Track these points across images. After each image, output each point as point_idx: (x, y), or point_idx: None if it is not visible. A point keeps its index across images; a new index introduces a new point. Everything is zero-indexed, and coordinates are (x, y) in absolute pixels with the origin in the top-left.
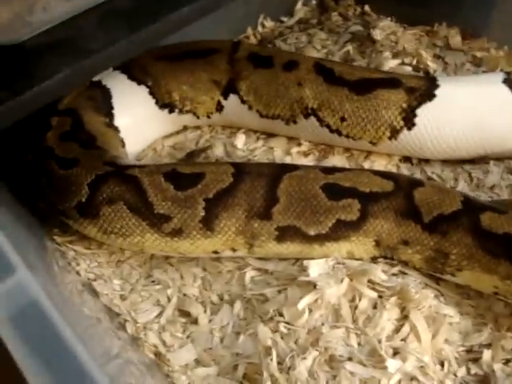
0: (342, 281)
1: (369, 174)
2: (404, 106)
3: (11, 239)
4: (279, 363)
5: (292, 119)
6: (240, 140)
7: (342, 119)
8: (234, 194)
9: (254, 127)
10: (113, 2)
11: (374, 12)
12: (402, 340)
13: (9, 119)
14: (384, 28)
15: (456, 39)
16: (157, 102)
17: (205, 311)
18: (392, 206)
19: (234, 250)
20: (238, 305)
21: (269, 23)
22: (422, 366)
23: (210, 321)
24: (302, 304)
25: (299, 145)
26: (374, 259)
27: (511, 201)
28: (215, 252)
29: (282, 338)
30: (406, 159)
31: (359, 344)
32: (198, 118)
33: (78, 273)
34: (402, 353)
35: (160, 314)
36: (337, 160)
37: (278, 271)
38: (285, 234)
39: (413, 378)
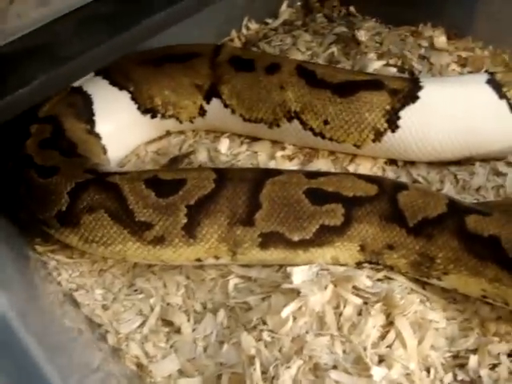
0: (326, 287)
1: (353, 177)
2: (387, 108)
3: None
4: (263, 372)
5: (275, 123)
6: (224, 145)
7: (325, 122)
8: (215, 200)
9: (238, 131)
10: (90, 6)
11: (358, 13)
12: (387, 347)
13: None
14: (369, 29)
15: (441, 39)
16: (139, 108)
17: (188, 320)
18: (376, 211)
19: (217, 257)
20: (221, 313)
21: (253, 25)
22: (407, 374)
23: (194, 330)
24: (286, 312)
25: (283, 149)
26: (359, 264)
27: (496, 202)
28: (198, 260)
29: (265, 346)
30: (392, 162)
31: (344, 352)
32: (180, 122)
33: (59, 283)
34: (388, 360)
35: (143, 324)
36: (322, 163)
37: (262, 278)
38: (268, 240)
39: None
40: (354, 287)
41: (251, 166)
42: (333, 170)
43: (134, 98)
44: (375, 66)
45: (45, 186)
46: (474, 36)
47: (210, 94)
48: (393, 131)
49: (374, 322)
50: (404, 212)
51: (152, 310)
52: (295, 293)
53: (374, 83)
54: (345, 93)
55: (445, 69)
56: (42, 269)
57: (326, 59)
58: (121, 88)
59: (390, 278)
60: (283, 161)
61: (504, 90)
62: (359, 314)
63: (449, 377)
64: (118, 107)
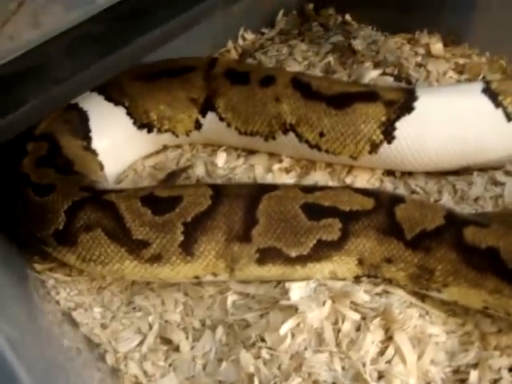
0: (324, 303)
1: (349, 191)
2: (383, 119)
3: None
4: None
5: (271, 135)
6: (221, 158)
7: (321, 134)
8: (212, 216)
9: (234, 144)
10: (82, 27)
11: (354, 21)
12: (386, 362)
13: None
14: (365, 37)
15: (437, 46)
16: (135, 123)
17: (187, 338)
18: (373, 224)
19: (215, 274)
20: (219, 330)
21: (249, 35)
22: None
23: (192, 347)
24: (284, 329)
25: (280, 161)
26: (357, 278)
27: (494, 213)
28: (196, 277)
29: (264, 364)
30: (389, 172)
31: (343, 368)
32: (177, 136)
33: (57, 302)
34: (387, 376)
35: (141, 343)
36: (319, 176)
37: (260, 294)
38: (266, 256)
39: None
40: (352, 302)
41: (248, 179)
42: (330, 182)
43: (129, 113)
44: (372, 75)
45: (41, 204)
46: (471, 42)
47: (206, 107)
48: (389, 142)
49: (372, 338)
50: (401, 225)
51: (151, 327)
52: (293, 309)
53: (369, 94)
54: (340, 105)
55: (442, 76)
56: (41, 287)
57: (323, 69)
58: (116, 103)
59: (388, 292)
60: (280, 174)
61: (500, 98)
62: (358, 329)
63: None
64: (114, 123)
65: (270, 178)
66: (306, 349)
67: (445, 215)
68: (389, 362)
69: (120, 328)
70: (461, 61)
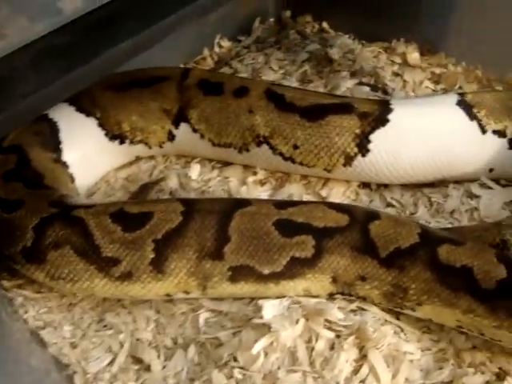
0: (297, 322)
1: (323, 207)
2: (357, 131)
3: None
4: None
5: (244, 147)
6: (194, 170)
7: (295, 147)
8: (183, 233)
9: (208, 156)
10: (47, 39)
11: (332, 29)
12: (360, 382)
13: None
14: (341, 46)
15: (414, 55)
16: (107, 134)
17: (158, 357)
18: (347, 241)
19: (186, 292)
20: (192, 349)
21: (226, 43)
22: None
23: (164, 367)
24: (257, 348)
25: (255, 173)
26: (331, 295)
27: (470, 228)
28: (168, 295)
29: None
30: (365, 185)
31: None
32: (150, 148)
33: (25, 321)
34: None
35: (112, 362)
36: (294, 188)
37: (233, 312)
38: (238, 274)
39: None
40: (326, 320)
41: (222, 191)
42: (305, 195)
43: (101, 125)
44: (348, 84)
45: (9, 220)
46: (448, 52)
47: (179, 118)
48: (363, 155)
49: (346, 356)
50: (376, 243)
51: (122, 346)
52: (266, 328)
53: (344, 106)
54: (314, 117)
55: (418, 86)
56: (9, 305)
57: (299, 78)
58: (88, 114)
59: (363, 309)
60: (255, 186)
61: (474, 110)
62: (332, 348)
63: None
64: (85, 134)
65: (244, 191)
66: (279, 368)
67: (419, 233)
68: (363, 381)
69: (90, 347)
70: (437, 70)
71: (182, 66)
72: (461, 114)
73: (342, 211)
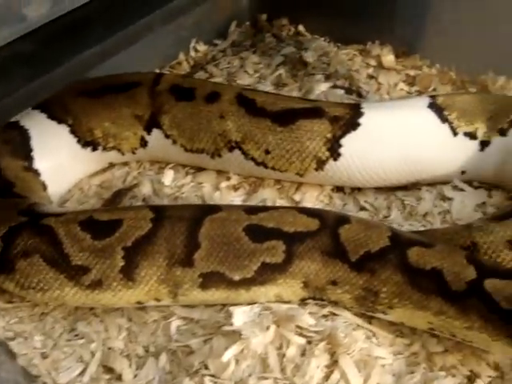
0: (268, 328)
1: (294, 212)
2: (328, 136)
3: None
4: None
5: (217, 153)
6: (168, 176)
7: (267, 152)
8: (153, 240)
9: (181, 162)
10: (11, 46)
11: (308, 32)
12: None
13: None
14: (316, 49)
15: (389, 58)
16: (79, 141)
17: (130, 365)
18: (318, 246)
19: (157, 299)
20: (163, 357)
21: (202, 47)
22: None
23: (136, 376)
24: (228, 355)
25: (228, 179)
26: (303, 301)
27: (443, 230)
28: (139, 302)
29: None
30: (339, 189)
31: None
32: (123, 154)
33: None
34: None
35: (83, 372)
36: (267, 193)
37: (204, 319)
38: (209, 280)
39: None
40: (298, 326)
41: (196, 197)
42: (278, 199)
43: (73, 131)
44: (322, 88)
45: None
46: (422, 54)
47: (151, 124)
48: (335, 159)
49: (317, 363)
50: (346, 247)
51: (93, 355)
52: (237, 335)
53: (315, 111)
54: (285, 121)
55: (393, 88)
56: None
57: (274, 82)
58: (59, 121)
59: (335, 314)
60: (228, 191)
61: (446, 113)
62: (303, 354)
63: None
64: (57, 141)
65: (217, 196)
66: (250, 375)
67: (390, 236)
68: None
69: (61, 357)
70: (412, 72)
71: (157, 70)
72: (432, 116)
73: (313, 216)
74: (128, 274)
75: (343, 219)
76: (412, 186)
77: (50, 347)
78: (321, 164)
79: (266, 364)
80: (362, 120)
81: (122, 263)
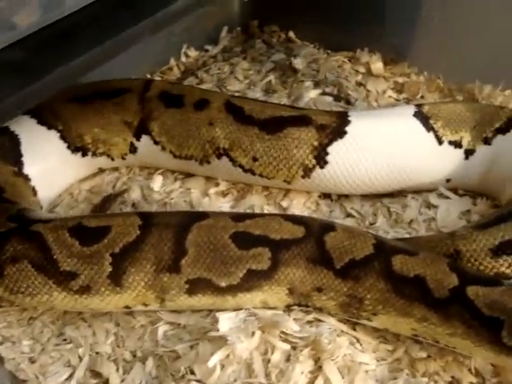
0: (253, 334)
1: (280, 219)
2: (315, 144)
3: None
4: None
5: (205, 159)
6: (157, 182)
7: (254, 159)
8: (141, 247)
9: (170, 168)
10: (1, 54)
11: (298, 38)
12: None
13: None
14: (306, 55)
15: (377, 65)
16: (69, 147)
17: (117, 370)
18: (303, 253)
19: (145, 304)
20: (150, 362)
21: (192, 53)
22: None
23: (123, 380)
24: (214, 361)
25: (217, 185)
26: (288, 307)
27: (428, 238)
28: (127, 307)
29: None
30: (326, 195)
31: None
32: (112, 159)
33: None
34: None
35: (70, 377)
36: (255, 199)
37: (191, 325)
38: (196, 286)
39: None
40: (282, 332)
41: (184, 203)
42: (266, 206)
43: (63, 137)
44: (311, 94)
45: None
46: (411, 61)
47: (140, 130)
48: (321, 167)
49: (302, 368)
50: (331, 254)
51: (81, 360)
52: (222, 340)
53: (302, 119)
54: (272, 129)
55: (381, 96)
56: None
57: (263, 88)
58: (49, 127)
59: (319, 320)
60: (217, 197)
61: (431, 122)
62: (287, 360)
63: None
64: (47, 147)
65: (206, 202)
66: (235, 380)
67: (374, 244)
68: None
69: (49, 361)
70: (400, 80)
71: (148, 75)
72: (418, 125)
73: (298, 223)
74: (116, 279)
75: (328, 227)
76: (398, 194)
77: (38, 352)
78: (308, 171)
79: (251, 369)
80: (348, 128)
81: (109, 269)
